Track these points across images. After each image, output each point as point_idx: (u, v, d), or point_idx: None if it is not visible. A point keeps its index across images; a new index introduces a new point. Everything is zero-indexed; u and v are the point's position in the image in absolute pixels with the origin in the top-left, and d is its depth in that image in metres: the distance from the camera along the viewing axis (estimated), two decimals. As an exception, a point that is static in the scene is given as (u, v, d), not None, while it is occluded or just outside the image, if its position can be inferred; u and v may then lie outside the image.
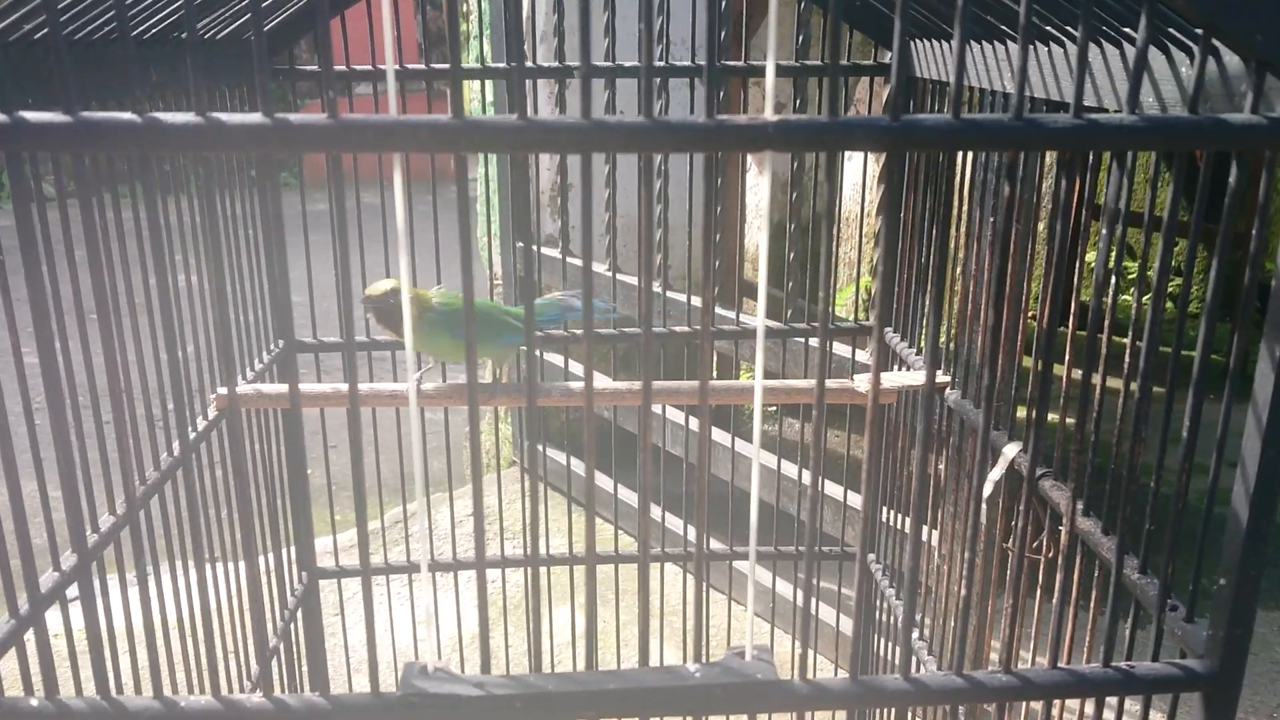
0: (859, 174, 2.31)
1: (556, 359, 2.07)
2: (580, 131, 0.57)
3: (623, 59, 1.70)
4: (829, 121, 0.57)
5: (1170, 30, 0.79)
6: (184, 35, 1.19)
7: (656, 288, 2.05)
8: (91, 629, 0.72)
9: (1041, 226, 2.34)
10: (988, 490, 1.08)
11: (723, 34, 2.08)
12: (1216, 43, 0.70)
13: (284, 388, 1.19)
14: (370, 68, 1.49)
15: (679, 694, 0.68)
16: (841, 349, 2.24)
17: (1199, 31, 0.74)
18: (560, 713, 0.68)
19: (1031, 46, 1.03)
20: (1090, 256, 3.39)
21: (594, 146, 0.58)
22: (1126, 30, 0.86)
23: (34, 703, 0.69)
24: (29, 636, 0.83)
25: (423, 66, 1.50)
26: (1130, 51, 0.88)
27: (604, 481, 2.90)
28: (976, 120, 0.57)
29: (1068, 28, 0.96)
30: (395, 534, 3.01)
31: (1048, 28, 0.98)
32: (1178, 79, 0.81)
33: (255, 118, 0.56)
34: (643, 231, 0.58)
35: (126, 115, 0.56)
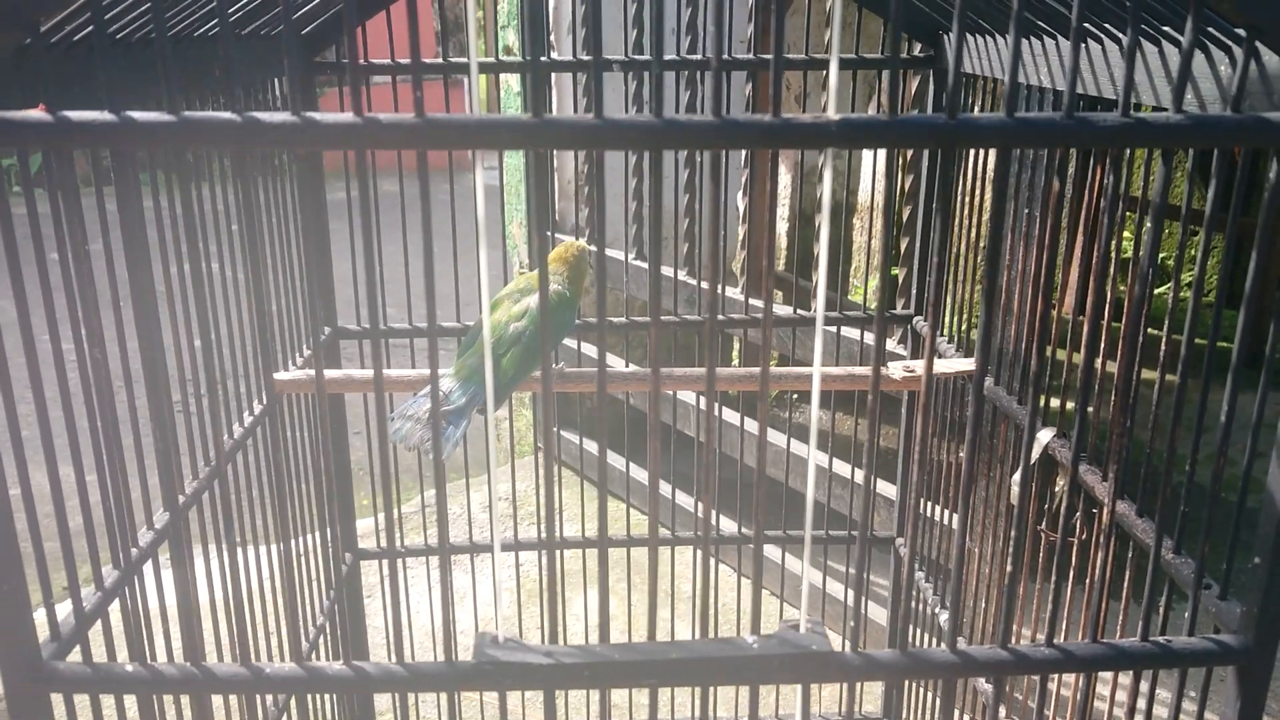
0: (874, 164, 2.34)
1: (576, 345, 2.11)
2: (654, 130, 0.60)
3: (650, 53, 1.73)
4: (890, 120, 0.60)
5: (1210, 30, 0.82)
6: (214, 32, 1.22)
7: (688, 278, 2.08)
8: (182, 597, 0.76)
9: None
10: (1020, 474, 1.11)
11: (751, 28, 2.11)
12: (1258, 44, 0.73)
13: (338, 373, 1.24)
14: (406, 61, 1.52)
15: (739, 664, 0.71)
16: (867, 336, 2.26)
17: (1241, 32, 0.77)
18: (626, 681, 0.72)
19: (1059, 41, 1.06)
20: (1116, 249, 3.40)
21: (666, 144, 0.61)
22: (1166, 29, 0.88)
23: (129, 668, 0.73)
24: (114, 608, 0.87)
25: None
26: (1169, 50, 0.91)
27: (618, 462, 2.94)
28: (1030, 119, 0.60)
29: (1106, 25, 0.98)
30: (414, 520, 3.05)
31: (1086, 25, 1.00)
32: (1216, 77, 0.83)
33: (348, 117, 0.60)
34: (709, 227, 0.61)
35: (227, 115, 0.60)
